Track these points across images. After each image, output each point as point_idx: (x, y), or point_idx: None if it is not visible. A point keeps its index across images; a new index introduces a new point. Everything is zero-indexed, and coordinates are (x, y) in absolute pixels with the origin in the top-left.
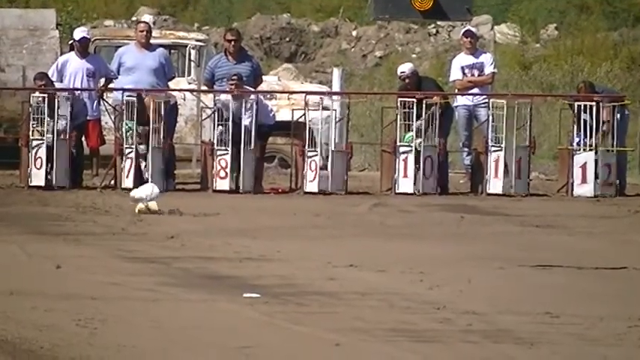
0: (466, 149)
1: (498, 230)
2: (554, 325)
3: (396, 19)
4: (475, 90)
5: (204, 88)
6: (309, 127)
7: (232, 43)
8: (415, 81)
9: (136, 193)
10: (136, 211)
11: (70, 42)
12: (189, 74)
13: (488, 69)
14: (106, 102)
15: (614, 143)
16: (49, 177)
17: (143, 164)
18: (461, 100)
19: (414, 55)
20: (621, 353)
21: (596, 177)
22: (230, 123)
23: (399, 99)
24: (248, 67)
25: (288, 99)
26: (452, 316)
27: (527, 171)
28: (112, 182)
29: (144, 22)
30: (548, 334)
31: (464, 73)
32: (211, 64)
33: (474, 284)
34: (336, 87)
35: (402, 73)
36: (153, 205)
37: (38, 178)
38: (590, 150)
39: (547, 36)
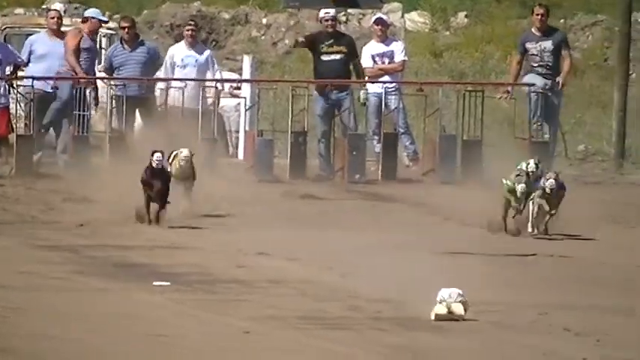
0: (376, 137)
1: (410, 218)
2: (466, 312)
3: (306, 7)
4: (386, 77)
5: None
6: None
7: (126, 30)
8: (337, 27)
9: (440, 293)
10: (433, 315)
11: None
12: (99, 62)
13: (399, 57)
14: (17, 90)
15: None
16: None
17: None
18: (372, 88)
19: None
20: (533, 340)
21: None
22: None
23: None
24: (144, 53)
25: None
26: (362, 303)
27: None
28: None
29: (55, 9)
30: (460, 322)
31: (374, 61)
32: (108, 53)
33: (384, 272)
34: (246, 74)
35: (326, 13)
36: (457, 308)
37: None
38: None
39: (457, 24)
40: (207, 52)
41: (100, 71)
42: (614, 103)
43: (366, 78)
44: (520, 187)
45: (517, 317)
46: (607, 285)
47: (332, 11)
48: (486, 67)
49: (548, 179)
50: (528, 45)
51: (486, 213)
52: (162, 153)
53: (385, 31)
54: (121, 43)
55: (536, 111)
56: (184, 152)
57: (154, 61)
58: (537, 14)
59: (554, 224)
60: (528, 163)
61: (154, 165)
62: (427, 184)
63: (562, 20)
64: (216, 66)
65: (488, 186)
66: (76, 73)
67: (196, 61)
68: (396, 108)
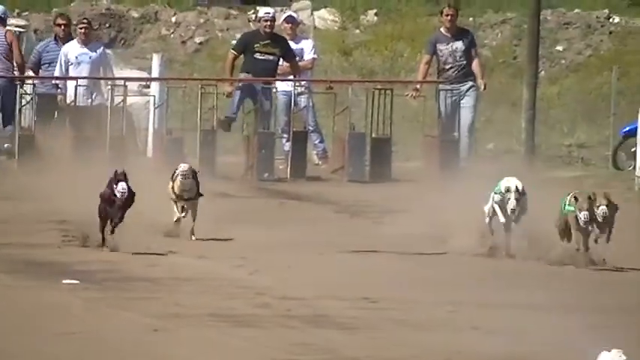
0: (285, 135)
1: (318, 216)
2: (373, 311)
3: (215, 5)
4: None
5: (30, 73)
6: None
7: (62, 27)
8: (274, 27)
9: (601, 357)
10: None
11: None
12: None
13: (309, 55)
14: None
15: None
16: None
17: None
18: (281, 86)
19: (234, 42)
20: (440, 339)
21: None
22: None
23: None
24: None
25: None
26: (272, 301)
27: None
28: None
29: None
30: (367, 320)
31: (284, 59)
32: (39, 48)
33: (293, 270)
34: (155, 73)
35: (266, 14)
36: None
37: None
38: None
39: (366, 22)
40: (100, 49)
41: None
42: (523, 101)
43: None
44: (583, 216)
45: (425, 315)
46: (520, 283)
47: (272, 12)
48: (396, 65)
49: (599, 206)
50: (439, 46)
51: (393, 208)
52: (126, 181)
53: (295, 29)
54: (55, 40)
55: (447, 113)
56: (182, 167)
57: None
58: (447, 15)
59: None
60: (508, 185)
61: (117, 196)
62: (336, 181)
63: (471, 19)
64: (110, 62)
65: (397, 183)
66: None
67: (90, 58)
68: (305, 106)
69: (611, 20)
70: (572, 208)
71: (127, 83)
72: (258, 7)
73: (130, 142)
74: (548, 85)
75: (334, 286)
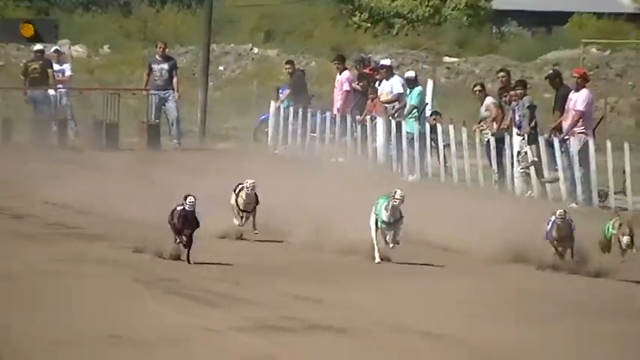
0: (54, 122)
1: (81, 173)
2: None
3: (9, 42)
4: (61, 85)
5: None
6: None
7: None
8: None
9: None
10: None
11: None
12: None
13: (68, 72)
14: None
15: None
16: None
17: None
18: (51, 92)
19: (21, 64)
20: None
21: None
22: None
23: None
24: None
25: None
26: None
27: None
28: None
29: None
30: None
31: (54, 76)
32: None
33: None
34: None
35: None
36: None
37: None
38: None
39: (103, 52)
40: None
41: None
42: (199, 101)
43: None
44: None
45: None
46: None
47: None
48: (121, 79)
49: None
50: (154, 65)
51: (121, 166)
52: (195, 197)
53: (59, 57)
54: None
55: (154, 108)
56: (249, 181)
57: None
58: (160, 47)
59: None
60: (395, 192)
61: (186, 208)
62: (86, 151)
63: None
64: None
65: (122, 151)
66: None
67: None
68: (65, 104)
69: (252, 50)
70: (614, 232)
71: None
72: (36, 44)
73: None
74: (215, 91)
75: (83, 204)
